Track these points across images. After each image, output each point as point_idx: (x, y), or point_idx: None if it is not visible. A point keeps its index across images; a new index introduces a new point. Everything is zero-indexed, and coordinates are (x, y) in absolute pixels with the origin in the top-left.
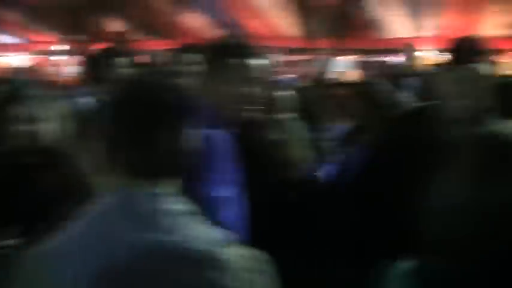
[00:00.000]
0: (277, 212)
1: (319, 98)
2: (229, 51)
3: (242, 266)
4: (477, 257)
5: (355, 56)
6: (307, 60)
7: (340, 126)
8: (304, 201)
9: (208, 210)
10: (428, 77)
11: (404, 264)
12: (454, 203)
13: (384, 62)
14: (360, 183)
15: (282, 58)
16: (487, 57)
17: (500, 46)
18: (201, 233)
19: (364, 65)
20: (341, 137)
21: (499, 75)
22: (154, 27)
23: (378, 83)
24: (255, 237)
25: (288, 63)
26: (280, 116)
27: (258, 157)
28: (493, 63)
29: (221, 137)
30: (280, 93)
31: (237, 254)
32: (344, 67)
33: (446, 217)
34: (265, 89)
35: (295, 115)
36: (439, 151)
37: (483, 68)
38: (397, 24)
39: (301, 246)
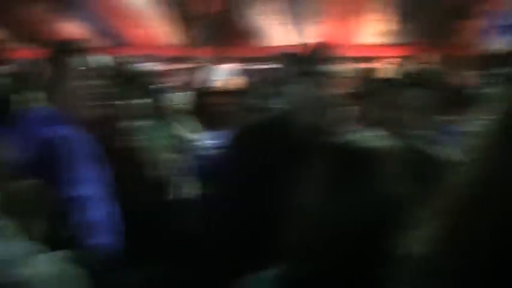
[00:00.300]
0: (139, 214)
1: (199, 105)
2: (72, 50)
3: (38, 283)
4: (332, 262)
5: (237, 64)
6: (188, 69)
7: (220, 133)
8: (166, 205)
9: (71, 210)
10: (287, 84)
11: (266, 272)
12: (310, 210)
13: (265, 69)
14: (223, 189)
15: (162, 67)
16: (339, 63)
17: (378, 53)
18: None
19: (245, 73)
20: (218, 143)
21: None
22: (32, 35)
23: (257, 90)
24: (120, 235)
25: (169, 72)
26: (142, 121)
27: (118, 158)
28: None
29: (77, 136)
30: (151, 99)
31: (35, 271)
32: (225, 75)
33: (302, 224)
34: (128, 92)
35: (163, 120)
36: (297, 158)
37: (331, 75)
38: (278, 32)
39: (164, 249)
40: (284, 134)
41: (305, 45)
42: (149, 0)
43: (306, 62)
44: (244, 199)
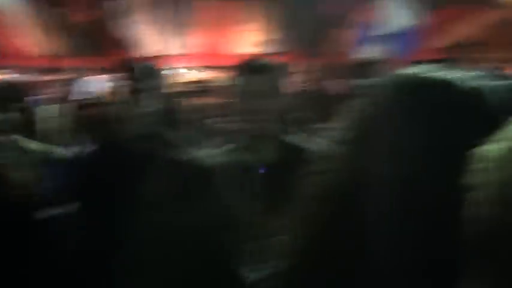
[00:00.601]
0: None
1: (72, 118)
2: None
3: None
4: (178, 280)
5: (108, 75)
6: (60, 80)
7: (88, 147)
8: (29, 222)
9: None
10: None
11: None
12: (149, 228)
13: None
14: (79, 205)
15: (32, 78)
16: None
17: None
18: None
19: (117, 84)
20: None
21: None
22: None
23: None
24: None
25: (40, 84)
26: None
27: None
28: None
29: None
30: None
31: None
32: (99, 86)
33: (149, 241)
34: None
35: (30, 134)
36: (141, 174)
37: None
38: (149, 42)
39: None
40: (130, 149)
41: (136, 57)
42: (20, 10)
43: (139, 76)
44: (94, 215)
